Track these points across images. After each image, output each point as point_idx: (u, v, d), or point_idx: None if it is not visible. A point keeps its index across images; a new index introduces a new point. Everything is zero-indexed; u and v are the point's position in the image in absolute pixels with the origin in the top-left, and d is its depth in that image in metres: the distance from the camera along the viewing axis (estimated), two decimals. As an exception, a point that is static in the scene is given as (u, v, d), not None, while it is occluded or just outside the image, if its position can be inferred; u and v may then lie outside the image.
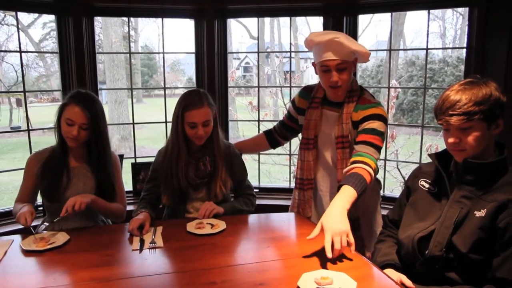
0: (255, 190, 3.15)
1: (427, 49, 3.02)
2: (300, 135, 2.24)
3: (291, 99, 2.32)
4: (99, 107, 1.99)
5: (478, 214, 1.38)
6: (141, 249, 1.66)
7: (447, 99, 1.41)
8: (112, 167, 2.07)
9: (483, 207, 1.38)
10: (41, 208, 2.15)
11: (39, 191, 2.02)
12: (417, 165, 1.99)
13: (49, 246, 1.67)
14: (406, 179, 1.85)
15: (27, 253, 1.63)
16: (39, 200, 2.14)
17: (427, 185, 1.60)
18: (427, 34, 2.98)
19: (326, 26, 2.91)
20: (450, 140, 1.43)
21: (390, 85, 3.64)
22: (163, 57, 3.30)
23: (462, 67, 10.47)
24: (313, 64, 2.04)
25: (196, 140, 2.04)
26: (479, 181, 1.43)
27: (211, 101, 2.05)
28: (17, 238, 1.78)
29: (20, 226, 1.79)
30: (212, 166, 2.09)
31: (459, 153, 1.44)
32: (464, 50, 2.69)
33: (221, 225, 1.87)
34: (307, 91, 2.18)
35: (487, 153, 1.44)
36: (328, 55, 1.91)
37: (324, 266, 1.45)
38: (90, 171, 2.03)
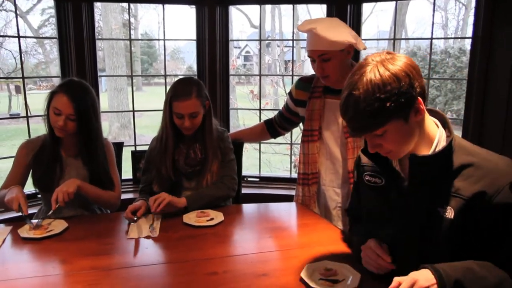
0: (255, 179, 3.17)
1: (431, 38, 2.98)
2: (301, 126, 2.20)
3: (289, 91, 2.28)
4: (90, 98, 1.90)
5: (443, 213, 1.17)
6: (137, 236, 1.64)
7: (341, 108, 1.16)
8: (104, 156, 2.00)
9: (445, 202, 1.17)
10: (39, 195, 2.12)
11: (32, 182, 1.96)
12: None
13: (47, 234, 1.64)
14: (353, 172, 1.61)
15: (24, 240, 1.61)
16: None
17: (373, 179, 1.36)
18: (432, 24, 2.94)
19: (329, 15, 2.86)
20: (370, 149, 1.22)
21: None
22: (164, 44, 3.26)
23: (464, 58, 10.42)
24: None
25: (184, 131, 1.99)
26: (431, 170, 1.20)
27: (203, 92, 1.97)
28: (14, 226, 1.75)
29: (17, 214, 1.75)
30: (203, 153, 2.03)
31: (390, 155, 1.22)
32: (469, 40, 2.64)
33: (218, 216, 1.84)
34: (304, 82, 2.13)
35: (426, 138, 1.21)
36: (310, 45, 1.90)
37: (327, 257, 1.43)
38: (81, 161, 1.97)
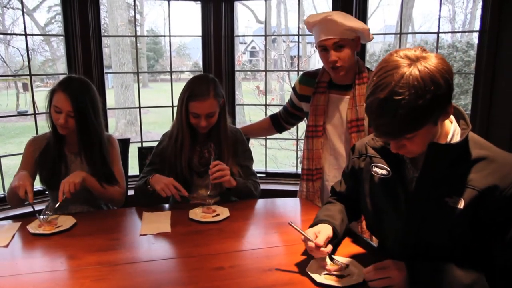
0: (261, 175, 3.18)
1: (438, 32, 2.96)
2: (305, 120, 2.20)
3: (293, 86, 2.27)
4: (89, 94, 1.90)
5: (452, 203, 1.17)
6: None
7: (374, 111, 1.09)
8: (105, 152, 1.98)
9: (456, 193, 1.17)
10: (47, 192, 2.14)
11: (39, 179, 1.97)
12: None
13: (56, 230, 1.66)
14: (351, 157, 1.53)
15: (34, 236, 1.63)
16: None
17: (380, 171, 1.35)
18: (439, 17, 2.91)
19: (335, 9, 2.85)
20: (393, 150, 1.20)
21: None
22: (169, 40, 3.26)
23: (472, 53, 10.30)
24: (316, 46, 1.99)
25: (199, 129, 1.99)
26: (446, 159, 1.18)
27: (219, 91, 1.96)
28: (23, 222, 1.77)
29: (27, 210, 1.77)
30: (217, 154, 2.04)
31: (408, 154, 1.21)
32: (476, 34, 2.62)
33: (224, 212, 1.85)
34: (308, 76, 2.12)
35: (441, 134, 1.20)
36: (324, 35, 1.89)
37: (333, 252, 1.43)
38: (83, 158, 1.98)
